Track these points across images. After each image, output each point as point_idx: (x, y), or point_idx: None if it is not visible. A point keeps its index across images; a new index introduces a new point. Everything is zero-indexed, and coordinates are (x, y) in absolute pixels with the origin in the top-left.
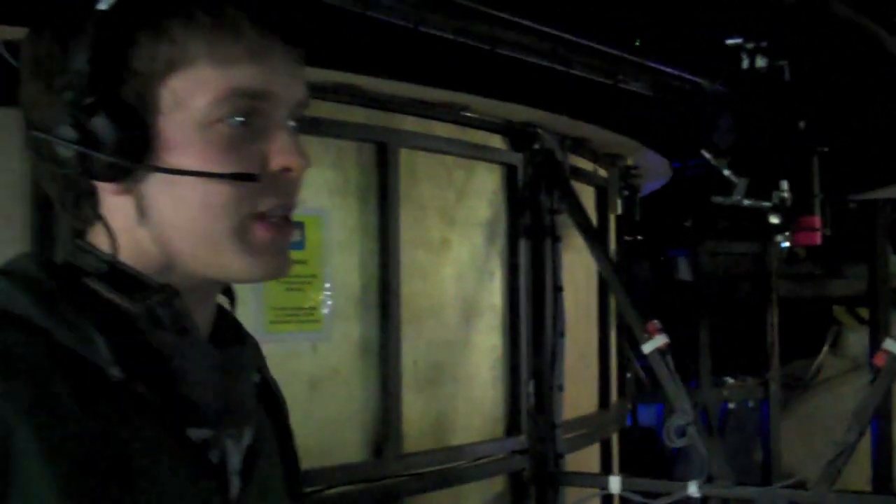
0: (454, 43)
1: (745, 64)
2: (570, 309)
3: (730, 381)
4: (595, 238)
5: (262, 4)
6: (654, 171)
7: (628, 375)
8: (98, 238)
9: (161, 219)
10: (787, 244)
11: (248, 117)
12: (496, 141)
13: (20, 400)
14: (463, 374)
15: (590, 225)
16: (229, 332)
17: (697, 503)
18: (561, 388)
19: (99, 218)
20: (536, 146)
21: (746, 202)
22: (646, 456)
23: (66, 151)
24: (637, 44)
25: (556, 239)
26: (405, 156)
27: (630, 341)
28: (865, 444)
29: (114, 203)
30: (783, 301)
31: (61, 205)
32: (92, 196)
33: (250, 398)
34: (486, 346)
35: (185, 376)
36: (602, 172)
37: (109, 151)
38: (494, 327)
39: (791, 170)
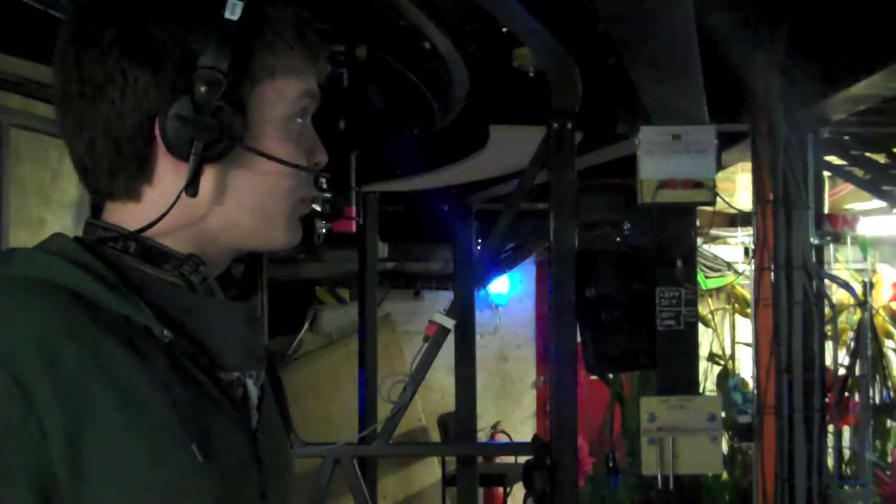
0: None
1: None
2: None
3: None
4: None
5: (309, 22)
6: None
7: None
8: (115, 215)
9: (236, 199)
10: (324, 230)
11: (303, 116)
12: None
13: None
14: None
15: None
16: (233, 288)
17: None
18: None
19: (142, 185)
20: None
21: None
22: None
23: (177, 130)
24: None
25: None
26: None
27: None
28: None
29: (170, 180)
30: (271, 282)
31: (95, 176)
32: (141, 170)
33: (261, 343)
34: None
35: (214, 330)
36: None
37: (226, 137)
38: None
39: (331, 165)
